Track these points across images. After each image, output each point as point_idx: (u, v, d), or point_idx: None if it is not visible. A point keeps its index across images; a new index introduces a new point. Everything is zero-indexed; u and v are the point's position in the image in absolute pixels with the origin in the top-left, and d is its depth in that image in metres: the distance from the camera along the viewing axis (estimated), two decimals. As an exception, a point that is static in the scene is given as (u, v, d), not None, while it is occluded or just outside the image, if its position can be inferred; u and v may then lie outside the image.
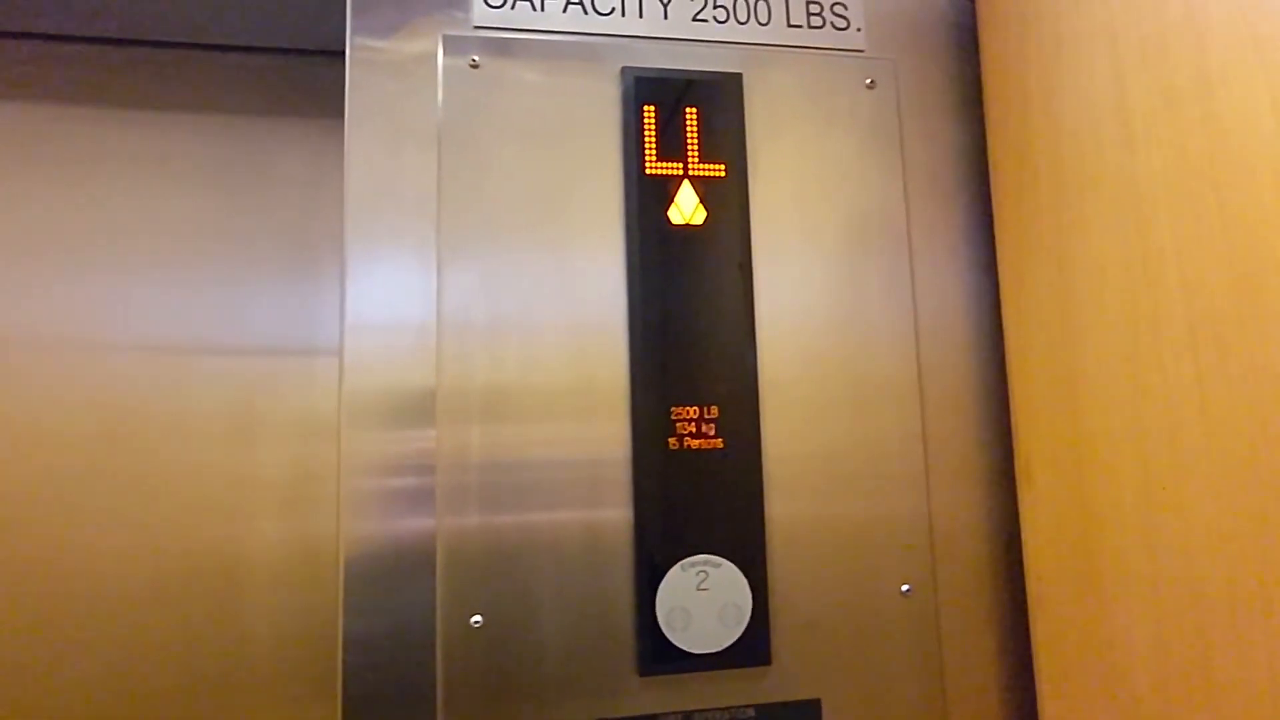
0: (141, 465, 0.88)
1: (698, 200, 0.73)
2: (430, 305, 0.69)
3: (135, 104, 0.94)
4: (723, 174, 0.73)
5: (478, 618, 0.65)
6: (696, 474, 0.69)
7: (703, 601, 0.68)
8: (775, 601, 0.70)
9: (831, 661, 0.70)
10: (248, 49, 0.96)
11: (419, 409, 0.67)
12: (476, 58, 0.72)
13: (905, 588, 0.72)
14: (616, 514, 0.68)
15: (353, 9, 0.72)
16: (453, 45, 0.72)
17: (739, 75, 0.76)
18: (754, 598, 0.68)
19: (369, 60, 0.71)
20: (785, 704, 0.69)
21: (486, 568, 0.66)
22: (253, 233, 0.94)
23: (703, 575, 0.68)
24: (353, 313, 0.68)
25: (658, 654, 0.66)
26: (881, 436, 0.73)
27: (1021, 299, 0.74)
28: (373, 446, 0.66)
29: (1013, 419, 0.75)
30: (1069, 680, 0.68)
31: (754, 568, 0.69)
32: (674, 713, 0.67)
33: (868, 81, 0.79)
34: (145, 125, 0.94)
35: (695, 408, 0.69)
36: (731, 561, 0.69)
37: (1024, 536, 0.73)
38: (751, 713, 0.68)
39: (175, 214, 0.93)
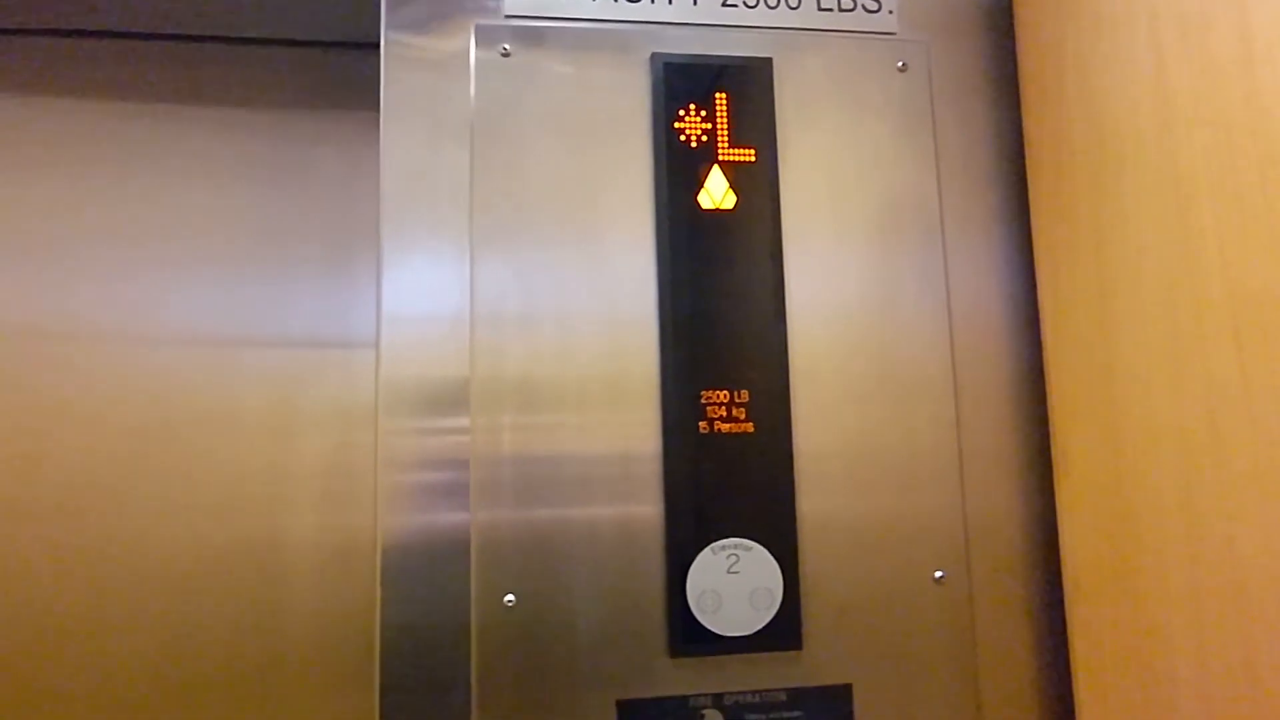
0: (184, 456, 0.89)
1: (728, 185, 0.73)
2: (464, 296, 0.70)
3: (171, 99, 0.96)
4: (753, 159, 0.73)
5: (510, 596, 0.66)
6: (727, 458, 0.69)
7: (734, 584, 0.68)
8: (806, 586, 0.70)
9: (863, 647, 0.70)
10: (282, 42, 0.98)
11: (453, 399, 0.68)
12: (507, 46, 0.73)
13: (938, 574, 0.72)
14: (647, 497, 0.69)
15: (387, 2, 0.73)
16: (485, 34, 0.73)
17: (769, 60, 0.75)
18: (785, 582, 0.69)
19: (403, 53, 0.72)
20: (816, 689, 0.69)
21: (520, 551, 0.67)
22: (289, 225, 0.95)
23: (734, 558, 0.68)
24: (389, 305, 0.69)
25: (689, 636, 0.67)
26: (914, 423, 0.73)
27: (1058, 285, 0.73)
28: (408, 438, 0.68)
29: (1049, 408, 0.74)
30: (1105, 669, 0.67)
31: (785, 552, 0.69)
32: (705, 694, 0.68)
33: (900, 64, 0.78)
34: (182, 120, 0.95)
35: (725, 391, 0.70)
36: (762, 545, 0.69)
37: (1060, 526, 0.72)
38: (783, 696, 0.68)
39: (213, 207, 0.94)
